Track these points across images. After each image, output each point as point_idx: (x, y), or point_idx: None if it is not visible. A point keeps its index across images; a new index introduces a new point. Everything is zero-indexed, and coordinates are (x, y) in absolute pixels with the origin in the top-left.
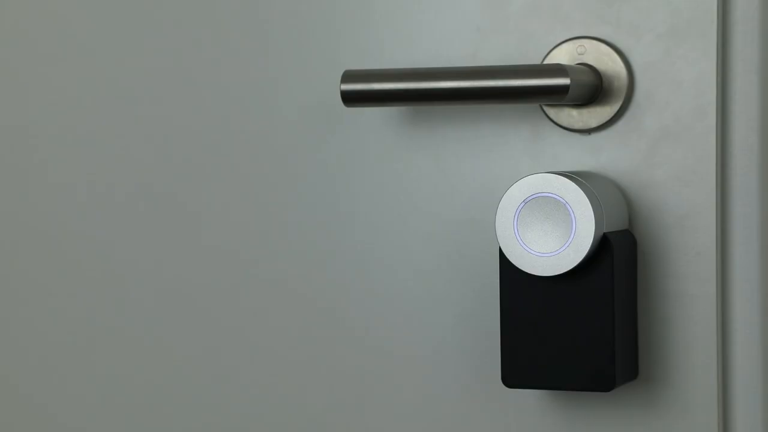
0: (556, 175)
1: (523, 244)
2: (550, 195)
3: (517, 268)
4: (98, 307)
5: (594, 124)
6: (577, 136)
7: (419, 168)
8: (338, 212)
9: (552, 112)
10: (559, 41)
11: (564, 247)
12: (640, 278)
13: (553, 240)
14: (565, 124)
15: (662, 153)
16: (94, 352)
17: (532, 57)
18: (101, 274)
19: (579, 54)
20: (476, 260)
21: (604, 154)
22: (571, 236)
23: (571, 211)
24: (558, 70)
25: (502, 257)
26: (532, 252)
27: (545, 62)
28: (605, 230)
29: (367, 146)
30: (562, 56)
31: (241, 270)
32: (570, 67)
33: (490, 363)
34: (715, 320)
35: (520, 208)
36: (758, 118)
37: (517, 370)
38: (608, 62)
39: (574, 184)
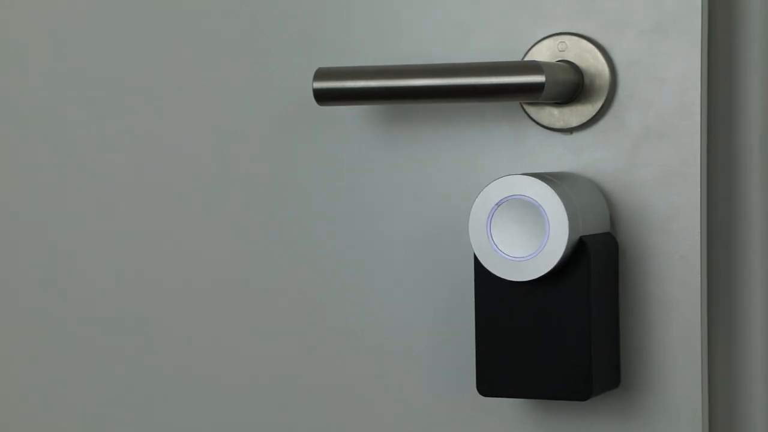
0: (529, 177)
1: (496, 248)
2: (523, 197)
3: (492, 273)
4: (88, 308)
5: (575, 123)
6: (558, 135)
7: (398, 168)
8: (313, 213)
9: (532, 110)
10: (540, 38)
11: (538, 251)
12: (622, 283)
13: (527, 244)
14: (545, 123)
15: (646, 153)
16: (92, 351)
17: (513, 53)
18: (86, 273)
19: (560, 51)
20: (455, 264)
21: (586, 154)
22: (545, 240)
23: (544, 214)
24: (533, 67)
25: (477, 261)
26: (506, 256)
27: (525, 59)
28: (582, 233)
29: (344, 146)
30: (543, 53)
31: (215, 271)
32: (546, 64)
33: (467, 371)
34: (700, 326)
35: (493, 211)
36: (759, 118)
37: (493, 379)
38: (590, 59)
39: (547, 185)
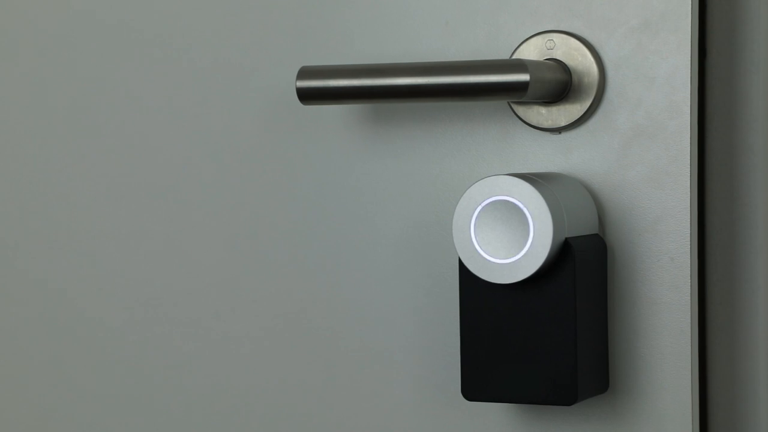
0: (513, 177)
1: (480, 251)
2: (506, 198)
3: (476, 276)
4: (73, 308)
5: (563, 122)
6: (547, 135)
7: (385, 168)
8: (298, 214)
9: (520, 110)
10: (527, 36)
11: (521, 254)
12: (611, 285)
13: (511, 246)
14: (534, 122)
15: (635, 153)
16: (87, 354)
17: (501, 52)
18: (69, 272)
19: (548, 49)
20: (442, 265)
21: (575, 154)
22: (529, 242)
23: (528, 215)
24: (517, 65)
25: (461, 263)
26: (490, 258)
27: (513, 58)
28: (567, 235)
29: (330, 146)
30: (531, 51)
31: (197, 272)
32: (531, 62)
33: (454, 374)
34: (690, 328)
35: (477, 212)
36: (761, 118)
37: (478, 383)
38: (578, 57)
39: (530, 186)
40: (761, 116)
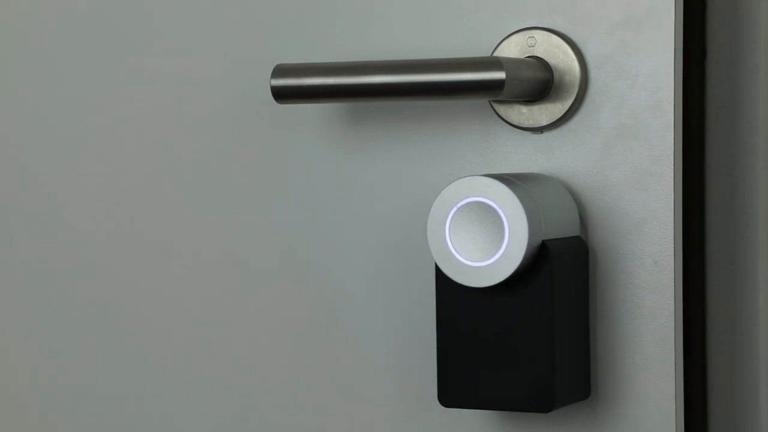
0: (487, 178)
1: (455, 253)
2: (481, 200)
3: (452, 279)
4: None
5: (545, 121)
6: (528, 134)
7: (364, 169)
8: (275, 215)
9: (501, 109)
10: (508, 33)
11: (497, 256)
12: (592, 288)
13: (487, 249)
14: (514, 121)
15: (618, 153)
16: (75, 355)
17: (481, 49)
18: (48, 270)
19: (529, 46)
20: (421, 268)
21: (557, 153)
22: (504, 244)
23: (503, 217)
24: (493, 63)
25: (437, 266)
26: (465, 261)
27: (491, 55)
28: (546, 237)
29: (308, 145)
30: (512, 49)
31: (166, 280)
32: (508, 60)
33: (430, 380)
34: (674, 333)
35: (451, 214)
36: (762, 117)
37: (455, 389)
38: (559, 55)
39: (505, 187)
40: (761, 116)
